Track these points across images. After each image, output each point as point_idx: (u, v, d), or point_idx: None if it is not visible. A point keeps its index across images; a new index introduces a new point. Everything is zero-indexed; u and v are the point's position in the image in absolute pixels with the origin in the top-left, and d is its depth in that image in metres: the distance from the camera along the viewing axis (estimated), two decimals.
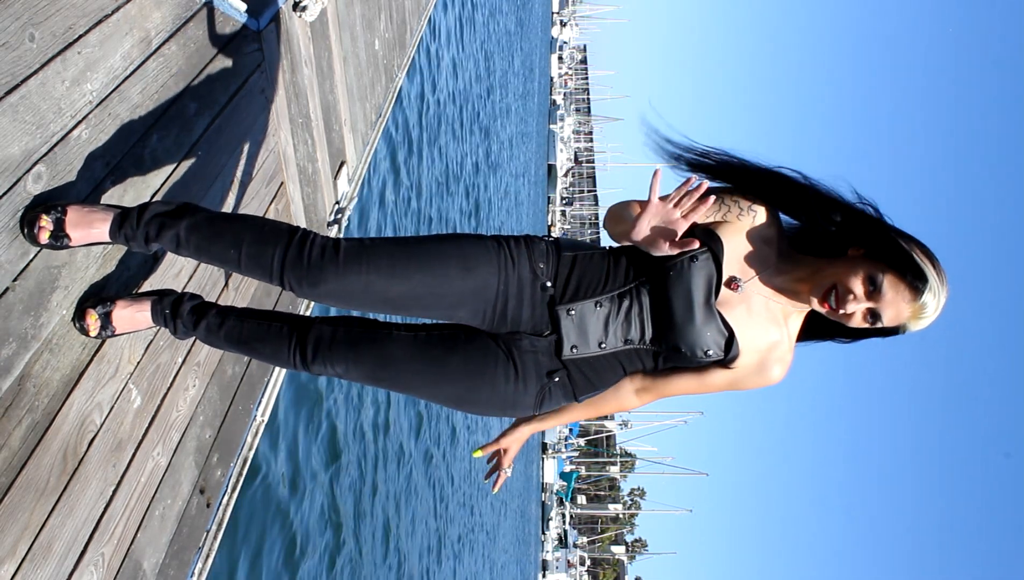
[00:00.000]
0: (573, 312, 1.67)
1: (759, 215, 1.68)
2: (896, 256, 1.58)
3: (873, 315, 1.58)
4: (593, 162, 77.69)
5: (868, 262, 1.59)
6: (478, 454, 1.92)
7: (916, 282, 1.56)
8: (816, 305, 1.62)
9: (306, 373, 1.81)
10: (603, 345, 1.68)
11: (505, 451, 1.92)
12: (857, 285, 1.57)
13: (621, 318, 1.67)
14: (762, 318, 1.68)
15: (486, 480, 1.97)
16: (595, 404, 1.81)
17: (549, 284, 1.69)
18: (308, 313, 3.31)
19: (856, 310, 1.58)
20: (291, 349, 1.77)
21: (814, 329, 1.77)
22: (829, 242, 1.69)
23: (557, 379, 1.70)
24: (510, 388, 1.69)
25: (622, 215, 1.69)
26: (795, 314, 1.72)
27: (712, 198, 1.57)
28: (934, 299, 1.57)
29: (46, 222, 1.59)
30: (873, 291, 1.57)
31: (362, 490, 6.32)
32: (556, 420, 1.87)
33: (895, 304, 1.57)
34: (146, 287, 2.02)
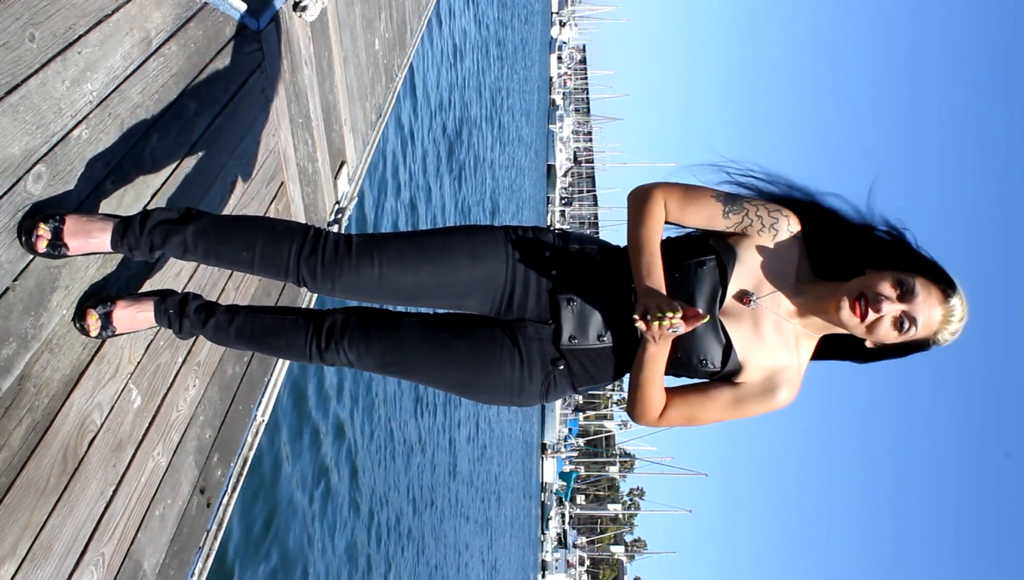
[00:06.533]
0: (574, 302, 1.68)
1: (780, 233, 1.65)
2: (923, 264, 1.59)
3: (904, 321, 1.54)
4: (592, 162, 77.65)
5: (893, 270, 1.58)
6: None
7: (945, 285, 1.56)
8: (845, 314, 1.56)
9: (319, 364, 1.82)
10: (603, 338, 1.68)
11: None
12: (886, 288, 1.54)
13: (623, 314, 1.67)
14: (771, 338, 1.65)
15: None
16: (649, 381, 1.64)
17: (553, 273, 1.70)
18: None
19: (888, 313, 1.53)
20: (308, 339, 1.79)
21: (827, 350, 1.74)
22: (850, 264, 1.65)
23: (561, 367, 1.71)
24: (516, 374, 1.71)
25: (652, 224, 1.65)
26: (806, 339, 1.68)
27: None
28: (962, 305, 1.57)
29: (44, 231, 1.58)
30: (904, 293, 1.54)
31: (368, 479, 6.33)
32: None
33: (927, 306, 1.54)
34: (147, 287, 2.02)
